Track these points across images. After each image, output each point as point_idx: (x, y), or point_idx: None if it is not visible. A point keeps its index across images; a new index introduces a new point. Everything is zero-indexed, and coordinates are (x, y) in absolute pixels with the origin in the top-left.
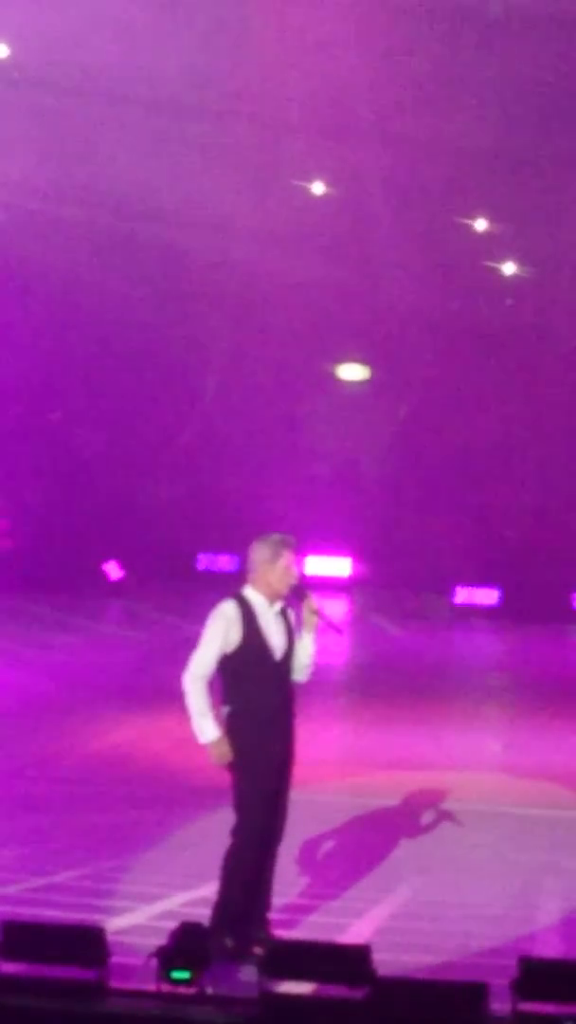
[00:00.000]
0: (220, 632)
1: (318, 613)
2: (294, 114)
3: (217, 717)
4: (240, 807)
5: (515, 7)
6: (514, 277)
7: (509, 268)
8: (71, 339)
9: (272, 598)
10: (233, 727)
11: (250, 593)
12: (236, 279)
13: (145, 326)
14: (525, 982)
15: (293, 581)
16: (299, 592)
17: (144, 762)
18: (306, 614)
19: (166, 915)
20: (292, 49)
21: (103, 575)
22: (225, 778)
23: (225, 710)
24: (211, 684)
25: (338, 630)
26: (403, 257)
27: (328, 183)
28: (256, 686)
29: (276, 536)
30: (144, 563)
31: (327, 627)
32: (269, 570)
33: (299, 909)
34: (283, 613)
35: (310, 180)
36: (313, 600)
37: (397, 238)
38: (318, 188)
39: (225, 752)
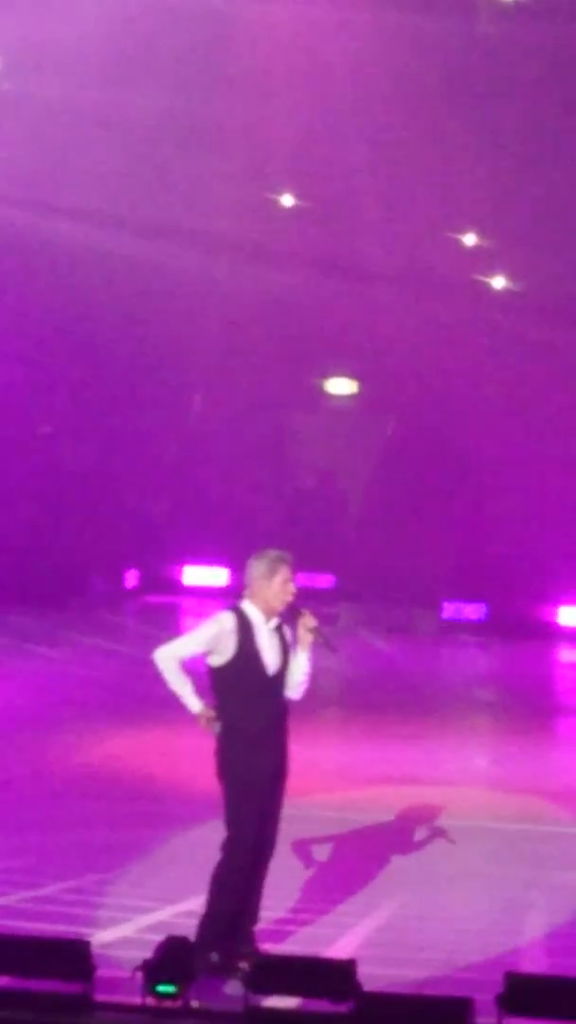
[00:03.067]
0: (209, 635)
1: (314, 631)
2: (277, 129)
3: (196, 693)
4: (231, 822)
5: (504, 25)
6: (504, 291)
7: (499, 282)
8: (60, 354)
9: (268, 614)
10: (225, 742)
11: (247, 607)
12: (222, 293)
13: (133, 341)
14: (510, 997)
15: (289, 598)
16: (295, 609)
17: (131, 775)
18: (301, 631)
19: (152, 929)
20: (273, 56)
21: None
22: (213, 791)
23: (217, 726)
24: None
25: (333, 648)
26: (391, 271)
27: (311, 196)
28: (249, 701)
29: (273, 552)
30: (131, 576)
31: (323, 645)
32: (265, 586)
33: (285, 923)
34: (279, 629)
35: (291, 193)
36: (310, 617)
37: (384, 252)
38: (288, 200)
39: (211, 720)
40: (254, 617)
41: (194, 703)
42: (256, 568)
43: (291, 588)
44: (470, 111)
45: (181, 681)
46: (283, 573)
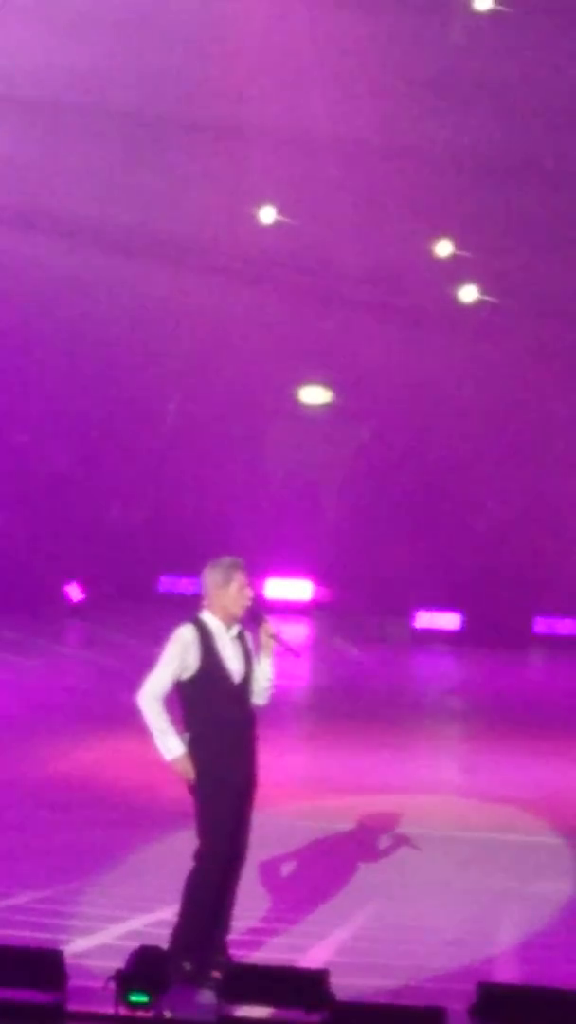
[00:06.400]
0: (176, 655)
1: (275, 636)
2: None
3: (179, 734)
4: (203, 832)
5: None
6: (479, 301)
7: (472, 292)
8: (35, 361)
9: (228, 621)
10: (194, 752)
11: (207, 617)
12: (197, 304)
13: (108, 349)
14: (483, 1007)
15: (247, 603)
16: (255, 615)
17: (104, 784)
18: (263, 637)
19: (124, 938)
20: (252, 61)
21: (64, 597)
22: (186, 800)
23: (186, 736)
24: (170, 708)
25: (295, 653)
26: (363, 279)
27: (287, 207)
28: (215, 711)
29: (227, 560)
30: (105, 585)
31: (285, 650)
32: (223, 594)
33: (258, 933)
34: (240, 637)
35: (267, 204)
36: (270, 623)
37: (357, 258)
38: (269, 215)
39: (191, 768)
40: (214, 626)
41: (175, 747)
42: (211, 577)
43: (248, 593)
44: (446, 119)
45: (166, 723)
46: (239, 579)
